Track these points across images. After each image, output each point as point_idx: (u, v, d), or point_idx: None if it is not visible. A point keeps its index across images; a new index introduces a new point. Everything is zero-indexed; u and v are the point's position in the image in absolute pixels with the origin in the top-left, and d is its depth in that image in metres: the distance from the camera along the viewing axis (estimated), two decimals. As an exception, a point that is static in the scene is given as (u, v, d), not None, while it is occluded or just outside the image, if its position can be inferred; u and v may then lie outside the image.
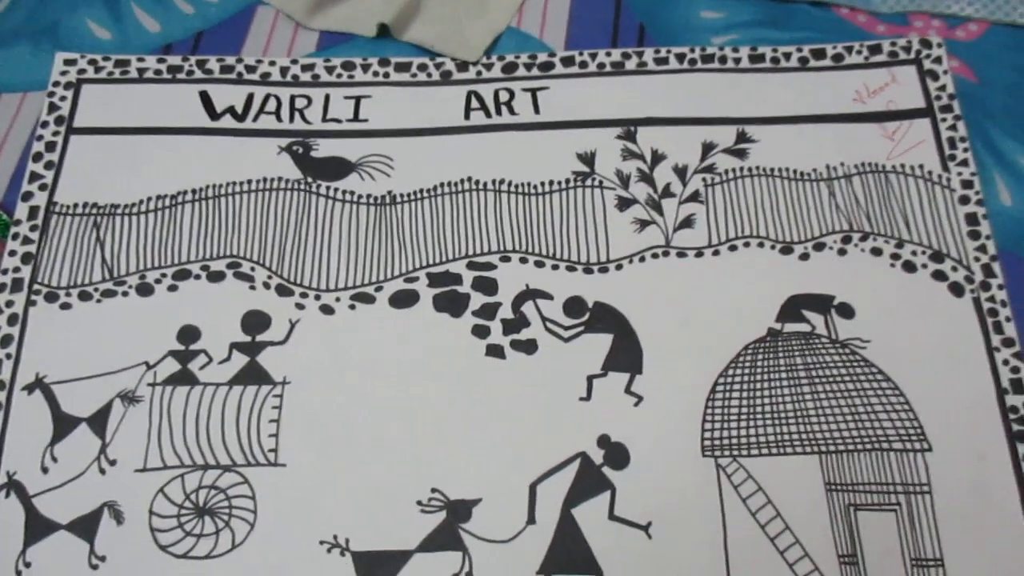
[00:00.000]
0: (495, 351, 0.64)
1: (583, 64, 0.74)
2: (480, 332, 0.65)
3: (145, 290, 0.66)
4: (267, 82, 0.74)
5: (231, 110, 0.73)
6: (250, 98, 0.73)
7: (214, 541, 0.59)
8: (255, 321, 0.65)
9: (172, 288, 0.66)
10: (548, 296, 0.66)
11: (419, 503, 0.59)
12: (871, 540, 0.58)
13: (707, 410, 0.62)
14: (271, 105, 0.73)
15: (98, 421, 0.61)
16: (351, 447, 0.61)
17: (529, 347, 0.64)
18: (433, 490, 0.60)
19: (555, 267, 0.67)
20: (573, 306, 0.65)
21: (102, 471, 0.60)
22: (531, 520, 0.59)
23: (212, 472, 0.61)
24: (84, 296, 0.65)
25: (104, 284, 0.66)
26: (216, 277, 0.66)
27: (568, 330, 0.65)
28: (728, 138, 0.71)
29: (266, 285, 0.66)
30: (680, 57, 0.74)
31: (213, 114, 0.72)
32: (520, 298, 0.66)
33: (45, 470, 0.60)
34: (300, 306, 0.65)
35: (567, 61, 0.75)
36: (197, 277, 0.66)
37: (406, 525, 0.59)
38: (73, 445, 0.61)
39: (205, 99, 0.73)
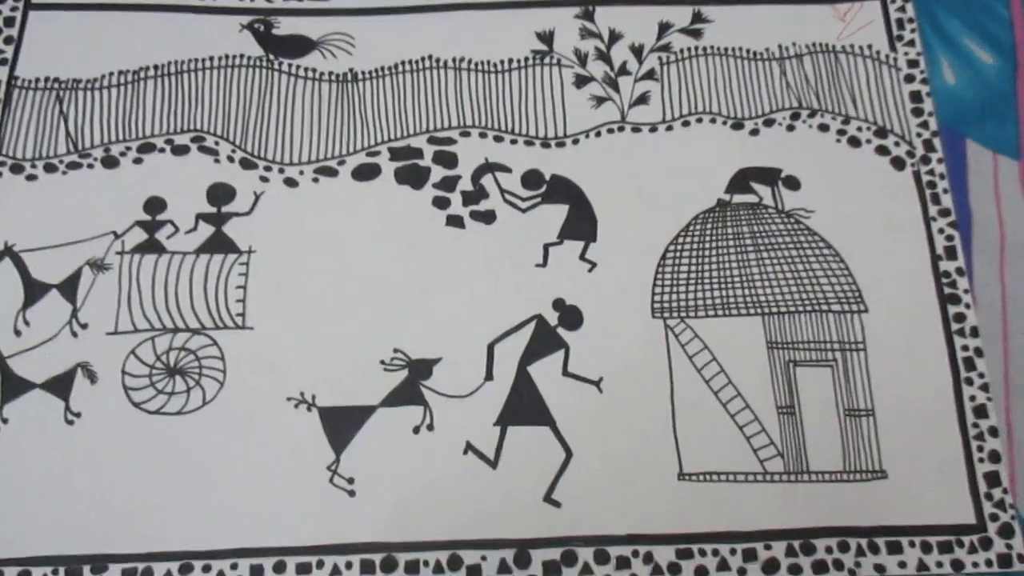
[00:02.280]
0: (455, 221, 0.66)
1: (543, -55, 0.75)
2: (440, 203, 0.67)
3: (110, 163, 0.67)
4: (227, -39, 0.74)
5: (192, -14, 0.73)
6: (210, -24, 0.73)
7: (185, 398, 0.61)
8: (220, 193, 0.66)
9: (137, 161, 0.67)
10: (507, 169, 0.68)
11: (382, 362, 0.62)
12: (808, 392, 0.62)
13: (657, 275, 0.65)
14: (232, -18, 0.73)
15: (68, 287, 0.63)
16: (316, 311, 0.63)
17: (488, 217, 0.66)
18: (395, 350, 0.63)
19: (513, 141, 0.69)
20: (531, 178, 0.67)
21: (74, 334, 0.62)
22: (489, 377, 0.62)
23: (182, 335, 0.63)
24: (50, 168, 0.66)
25: (69, 156, 0.67)
26: (180, 151, 0.67)
27: (526, 201, 0.67)
28: (684, 18, 0.73)
29: (230, 159, 0.67)
30: (639, -61, 0.75)
31: (173, -9, 0.73)
32: (479, 171, 0.68)
33: (18, 333, 0.62)
34: (264, 179, 0.67)
35: (527, -58, 0.75)
36: (161, 151, 0.67)
37: (370, 383, 0.62)
38: (45, 310, 0.63)
39: (165, -23, 0.73)
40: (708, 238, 0.66)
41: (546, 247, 0.65)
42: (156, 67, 0.70)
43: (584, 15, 0.73)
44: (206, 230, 0.65)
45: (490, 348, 0.63)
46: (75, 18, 0.71)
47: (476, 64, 0.71)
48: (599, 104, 0.70)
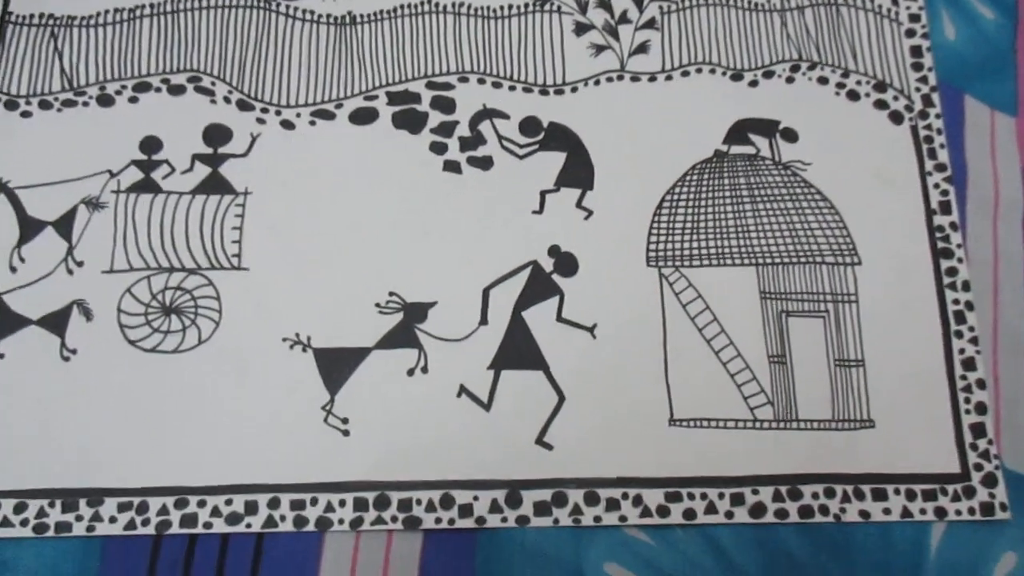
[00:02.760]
0: (452, 167, 0.66)
1: None
2: (438, 148, 0.67)
3: (105, 101, 0.66)
4: (224, -100, 0.73)
5: (188, -75, 0.72)
6: (207, -85, 0.72)
7: (181, 337, 0.61)
8: (217, 133, 0.66)
9: (133, 100, 0.67)
10: (504, 115, 0.68)
11: (377, 305, 0.63)
12: (799, 342, 0.62)
13: (653, 224, 0.65)
14: (229, -78, 0.72)
15: (64, 225, 0.63)
16: (312, 253, 0.63)
17: (485, 163, 0.66)
18: (391, 293, 0.63)
19: (512, 88, 0.68)
20: (529, 125, 0.67)
21: (70, 271, 0.62)
22: (483, 321, 0.62)
23: (177, 274, 0.63)
24: (44, 105, 0.66)
25: (64, 94, 0.66)
26: (177, 90, 0.67)
27: (523, 148, 0.67)
28: (686, -33, 0.72)
29: (227, 100, 0.67)
30: None
31: (170, -71, 0.72)
32: (477, 117, 0.67)
33: (13, 269, 0.62)
34: (261, 121, 0.67)
35: None
36: (158, 90, 0.67)
37: (365, 325, 0.62)
38: (40, 247, 0.63)
39: (161, -85, 0.72)
40: (705, 188, 0.66)
41: (543, 194, 0.66)
42: (152, 5, 0.69)
43: (585, -38, 0.72)
44: (202, 171, 0.65)
45: (485, 293, 0.63)
46: (69, -46, 0.70)
47: (475, 10, 0.70)
48: (598, 52, 0.70)
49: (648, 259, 0.64)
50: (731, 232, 0.65)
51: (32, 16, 0.68)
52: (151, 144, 0.65)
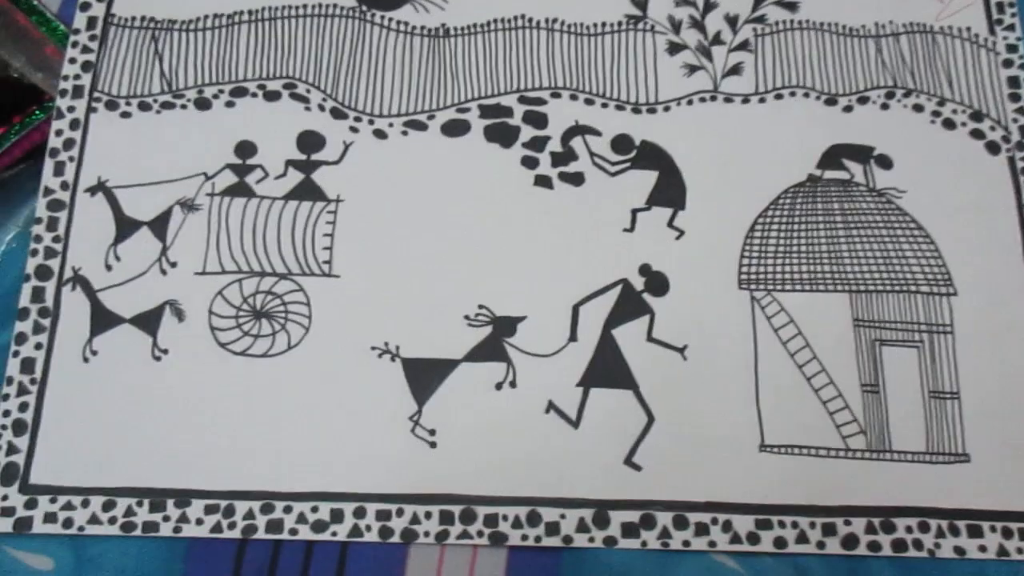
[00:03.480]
0: (543, 181, 0.66)
1: (639, -90, 0.74)
2: (529, 163, 0.66)
3: (203, 104, 0.67)
4: (321, -89, 0.74)
5: (286, -66, 0.73)
6: (304, -74, 0.73)
7: (271, 342, 0.62)
8: (310, 140, 0.66)
9: (229, 104, 0.67)
10: (596, 132, 0.67)
11: (466, 317, 0.62)
12: (893, 372, 0.61)
13: (745, 246, 0.64)
14: (326, -67, 0.73)
15: (159, 225, 0.64)
16: (402, 263, 0.63)
17: (576, 179, 0.66)
18: (480, 306, 0.63)
19: (604, 105, 0.68)
20: (621, 143, 0.67)
21: (163, 272, 0.63)
22: (573, 338, 0.62)
23: (268, 279, 0.63)
24: (144, 106, 0.67)
25: (163, 96, 0.67)
26: (272, 96, 0.67)
27: (615, 165, 0.67)
28: (780, -10, 0.72)
29: (321, 107, 0.67)
30: (736, -92, 0.74)
31: (269, -62, 0.73)
32: (569, 133, 0.67)
33: (109, 268, 0.63)
34: (354, 129, 0.67)
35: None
36: (254, 95, 0.67)
37: (453, 337, 0.62)
38: (135, 246, 0.63)
39: (259, -76, 0.73)
40: (798, 212, 0.65)
41: (634, 212, 0.65)
42: (250, 12, 0.70)
43: (679, -18, 0.72)
44: (295, 176, 0.66)
45: (575, 309, 0.63)
46: (171, -41, 0.71)
47: (568, 26, 0.70)
48: (691, 72, 0.69)
49: (740, 282, 0.63)
50: (824, 257, 0.64)
51: (134, 19, 0.69)
52: (246, 148, 0.66)
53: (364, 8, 0.70)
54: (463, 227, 0.65)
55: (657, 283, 0.63)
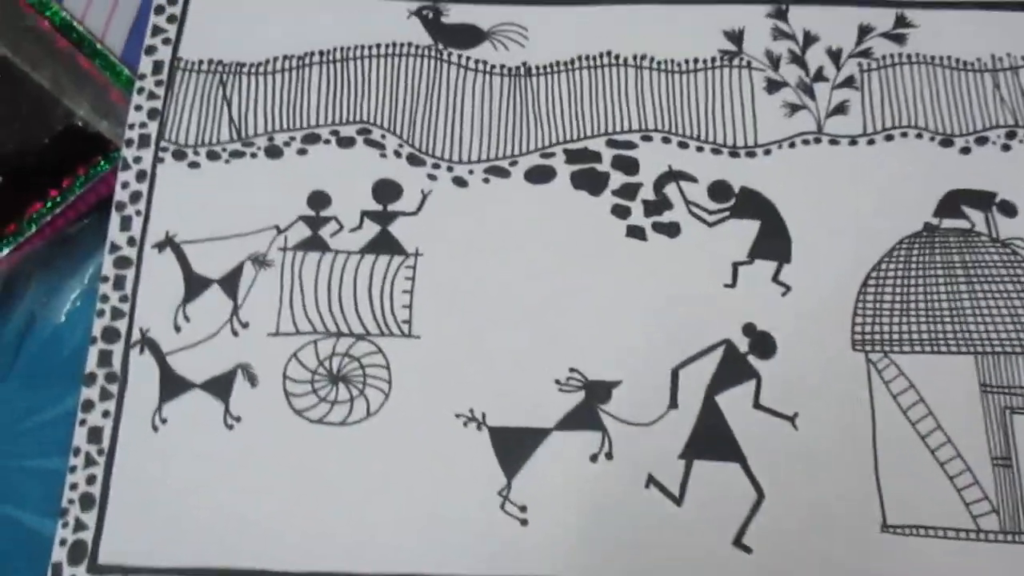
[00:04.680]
0: (636, 232, 0.61)
1: (730, -63, 0.70)
2: (620, 212, 0.62)
3: (274, 152, 0.63)
4: (393, -57, 0.70)
5: (358, -29, 0.69)
6: (377, -41, 0.70)
7: (348, 408, 0.58)
8: (387, 190, 0.62)
9: (301, 152, 0.63)
10: (692, 179, 0.63)
11: (557, 382, 0.58)
12: (1027, 444, 0.56)
13: (859, 303, 0.59)
14: (399, -33, 0.69)
15: (230, 283, 0.60)
16: (487, 322, 0.59)
17: (672, 230, 0.61)
18: (571, 369, 0.58)
19: (699, 149, 0.64)
20: (718, 190, 0.62)
21: (235, 333, 0.59)
22: (673, 404, 0.57)
23: (345, 340, 0.59)
24: (212, 155, 0.63)
25: (232, 144, 0.64)
26: (346, 143, 0.64)
27: (713, 214, 0.62)
28: (886, 22, 0.67)
29: (397, 154, 0.63)
30: (835, -67, 0.69)
31: (340, -25, 0.69)
32: (662, 179, 0.63)
33: (178, 329, 0.59)
34: (432, 177, 0.63)
35: (713, -67, 0.70)
36: (327, 142, 0.64)
37: (543, 403, 0.57)
38: (205, 306, 0.59)
39: (329, -42, 0.70)
40: (915, 265, 0.60)
41: (735, 266, 0.60)
42: (321, 52, 0.66)
43: (776, 14, 0.67)
44: (371, 228, 0.62)
45: (674, 373, 0.58)
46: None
47: (658, 63, 0.66)
48: (793, 112, 0.64)
49: (854, 342, 0.58)
50: (946, 315, 0.59)
51: (201, 63, 0.65)
52: (319, 199, 0.62)
53: (440, 46, 0.67)
54: (551, 282, 0.60)
55: (763, 344, 0.58)
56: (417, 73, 0.66)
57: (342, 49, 0.66)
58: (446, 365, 0.58)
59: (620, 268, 0.60)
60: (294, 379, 0.58)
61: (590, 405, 0.57)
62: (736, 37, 0.66)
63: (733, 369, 0.58)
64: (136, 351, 0.58)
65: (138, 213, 0.61)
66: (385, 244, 0.61)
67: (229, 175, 0.63)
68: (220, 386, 0.58)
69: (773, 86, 0.65)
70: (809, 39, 0.66)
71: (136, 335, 0.59)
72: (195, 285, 0.60)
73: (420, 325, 0.59)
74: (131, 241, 0.61)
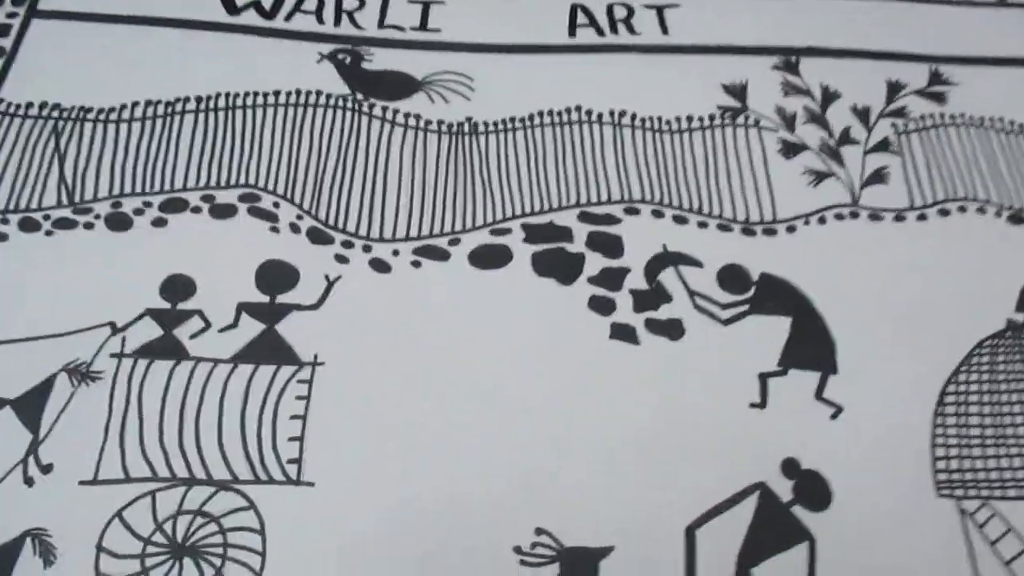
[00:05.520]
0: (624, 333, 0.45)
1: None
2: (601, 306, 0.45)
3: (119, 223, 0.46)
4: (305, -24, 0.56)
5: (256, 4, 0.54)
6: (282, -8, 0.56)
7: (197, 600, 0.37)
8: (277, 275, 0.45)
9: (158, 222, 0.46)
10: (696, 262, 0.47)
11: (518, 551, 0.39)
12: None
13: (937, 428, 0.43)
14: (310, 3, 0.55)
15: (29, 406, 0.41)
16: (413, 464, 0.41)
17: (673, 330, 0.45)
18: (539, 531, 0.39)
19: (702, 224, 0.48)
20: (732, 277, 0.46)
21: (28, 481, 0.39)
22: (691, 583, 0.39)
23: (200, 490, 0.40)
24: (29, 225, 0.45)
25: (60, 210, 0.46)
26: (223, 212, 0.47)
27: (727, 309, 0.45)
28: (919, 78, 0.54)
29: (294, 228, 0.46)
30: (850, -21, 0.58)
31: (231, 7, 0.54)
32: (656, 263, 0.47)
33: (-60, 476, 0.39)
34: (342, 259, 0.46)
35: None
36: (196, 210, 0.46)
37: (500, 584, 0.38)
38: (-12, 440, 0.40)
39: (221, -12, 0.55)
40: (1002, 376, 0.44)
41: (763, 379, 0.44)
42: (198, 99, 0.50)
43: (785, 66, 0.54)
44: (251, 328, 0.44)
45: (690, 534, 0.40)
46: (91, 30, 0.52)
47: (643, 120, 0.51)
48: (819, 180, 0.50)
49: (939, 485, 0.41)
50: (1056, 444, 0.42)
51: (31, 105, 0.49)
52: (178, 287, 0.44)
53: (359, 96, 0.51)
54: (506, 405, 0.42)
55: (812, 488, 0.41)
56: (327, 128, 0.50)
57: (227, 96, 0.50)
58: (351, 530, 0.39)
59: (603, 383, 0.43)
60: (114, 554, 0.38)
61: (568, 586, 0.38)
62: (739, 92, 0.53)
63: (774, 526, 0.40)
64: None
65: (-97, 303, 0.42)
66: (270, 349, 0.43)
67: (49, 251, 0.45)
68: (-6, 566, 0.37)
69: (790, 149, 0.51)
70: (829, 95, 0.53)
71: None
72: (-24, 409, 0.40)
73: (314, 468, 0.40)
74: None
